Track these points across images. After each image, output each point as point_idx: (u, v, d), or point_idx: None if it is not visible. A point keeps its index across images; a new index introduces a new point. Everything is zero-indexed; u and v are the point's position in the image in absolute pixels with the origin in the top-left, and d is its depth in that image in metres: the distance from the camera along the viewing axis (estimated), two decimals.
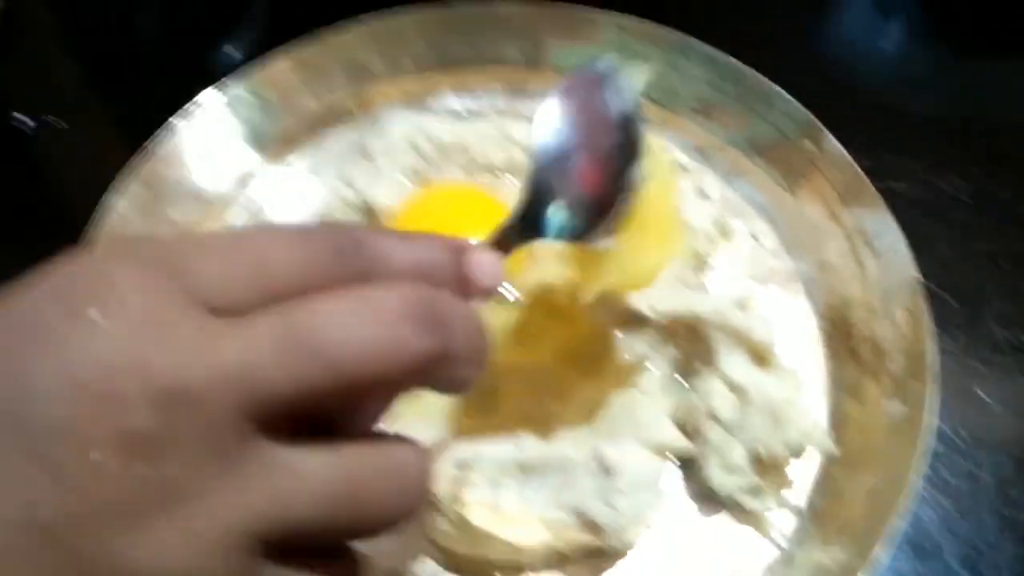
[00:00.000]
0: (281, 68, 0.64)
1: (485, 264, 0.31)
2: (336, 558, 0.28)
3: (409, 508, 0.28)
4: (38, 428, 0.22)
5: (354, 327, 0.25)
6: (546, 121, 0.40)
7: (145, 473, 0.23)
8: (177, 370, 0.23)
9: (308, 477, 0.25)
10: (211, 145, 0.61)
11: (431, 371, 0.27)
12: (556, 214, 0.38)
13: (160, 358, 0.23)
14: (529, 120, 0.63)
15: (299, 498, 0.25)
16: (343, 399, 0.25)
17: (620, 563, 0.49)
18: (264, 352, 0.24)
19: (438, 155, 0.58)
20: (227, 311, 0.25)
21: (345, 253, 0.27)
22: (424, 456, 0.29)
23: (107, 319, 0.23)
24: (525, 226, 0.38)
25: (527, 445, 0.48)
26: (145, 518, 0.23)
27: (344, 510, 0.26)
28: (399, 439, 0.29)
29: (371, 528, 0.27)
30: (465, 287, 0.30)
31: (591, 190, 0.39)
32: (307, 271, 0.26)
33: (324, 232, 0.27)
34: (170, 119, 0.61)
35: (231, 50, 0.74)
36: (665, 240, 0.44)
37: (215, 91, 0.62)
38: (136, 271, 0.24)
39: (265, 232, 0.28)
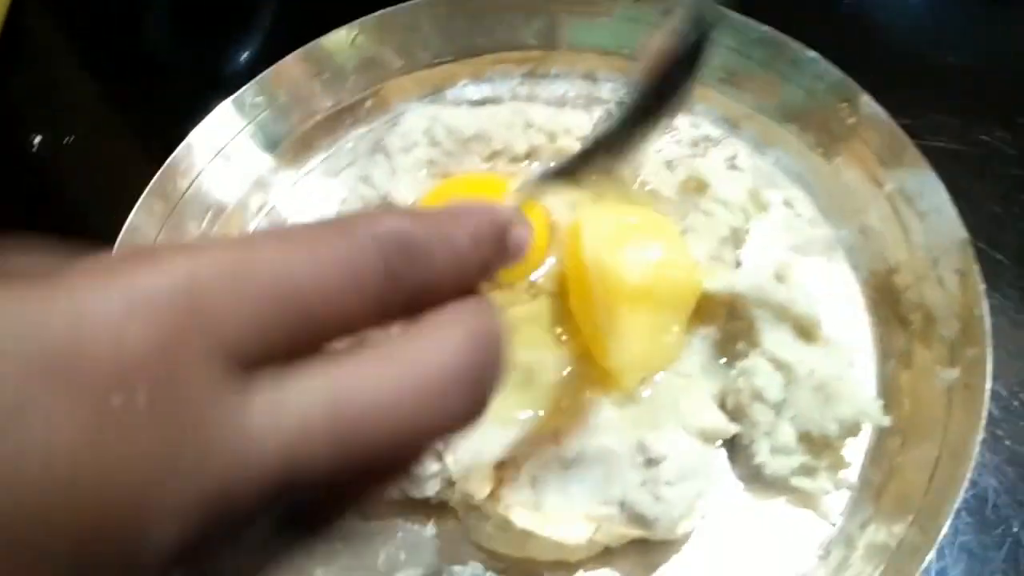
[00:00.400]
0: (293, 70, 0.63)
1: (522, 238, 0.28)
2: None
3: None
4: None
5: (403, 405, 0.22)
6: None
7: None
8: (207, 469, 0.20)
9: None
10: (228, 154, 0.60)
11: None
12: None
13: (185, 458, 0.19)
14: (548, 104, 0.62)
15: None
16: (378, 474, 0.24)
17: (672, 555, 0.48)
18: (306, 442, 0.21)
19: (457, 146, 0.57)
20: (258, 360, 0.21)
21: (397, 279, 0.23)
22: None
23: (120, 410, 0.19)
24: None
25: (567, 438, 0.46)
26: None
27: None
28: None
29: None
30: (504, 260, 0.27)
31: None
32: (352, 312, 0.22)
33: (371, 248, 0.23)
34: (186, 132, 0.59)
35: (242, 55, 0.73)
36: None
37: (229, 100, 0.61)
38: (156, 334, 0.20)
39: (295, 249, 0.22)
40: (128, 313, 0.19)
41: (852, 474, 0.49)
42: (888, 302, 0.54)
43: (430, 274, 0.24)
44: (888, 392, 0.51)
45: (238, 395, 0.20)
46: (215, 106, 0.60)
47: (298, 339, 0.22)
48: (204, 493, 0.20)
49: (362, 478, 0.23)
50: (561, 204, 0.54)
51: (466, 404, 0.23)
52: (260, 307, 0.21)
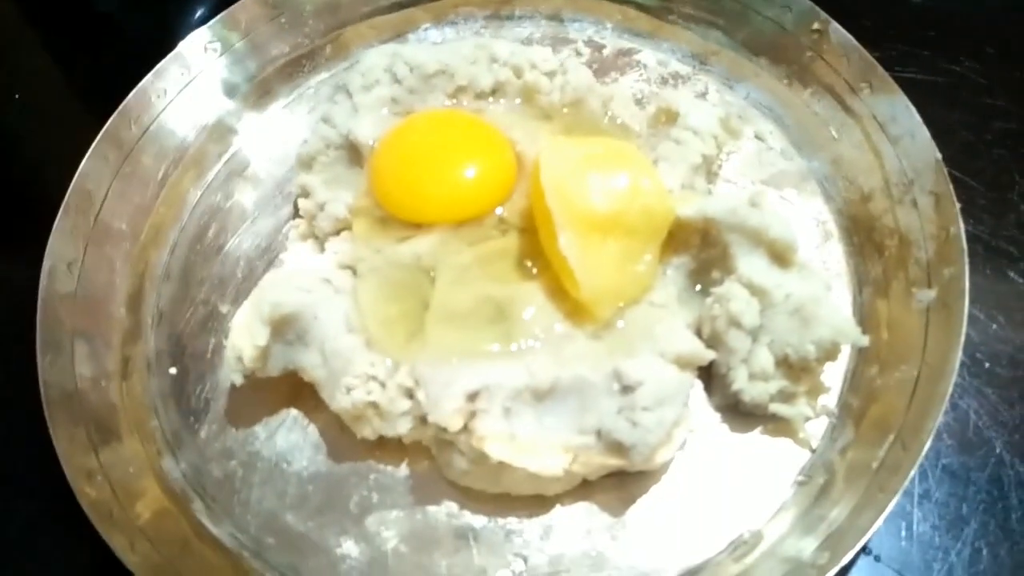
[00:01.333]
0: (250, 12, 0.61)
1: None
2: None
3: None
4: None
5: None
6: None
7: None
8: None
9: None
10: (185, 100, 0.59)
11: None
12: None
13: None
14: (514, 41, 0.61)
15: None
16: None
17: (651, 486, 0.47)
18: None
19: (420, 83, 0.55)
20: None
21: None
22: None
23: None
24: None
25: (540, 369, 0.45)
26: None
27: None
28: None
29: None
30: None
31: None
32: None
33: None
34: (143, 77, 0.57)
35: (195, 13, 0.71)
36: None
37: (183, 43, 0.59)
38: None
39: None
40: None
41: (831, 400, 0.48)
42: (863, 230, 0.53)
43: None
44: (865, 319, 0.50)
45: None
46: (174, 52, 0.59)
47: None
48: None
49: None
50: (527, 137, 0.52)
51: None
52: None
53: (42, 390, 0.47)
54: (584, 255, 0.46)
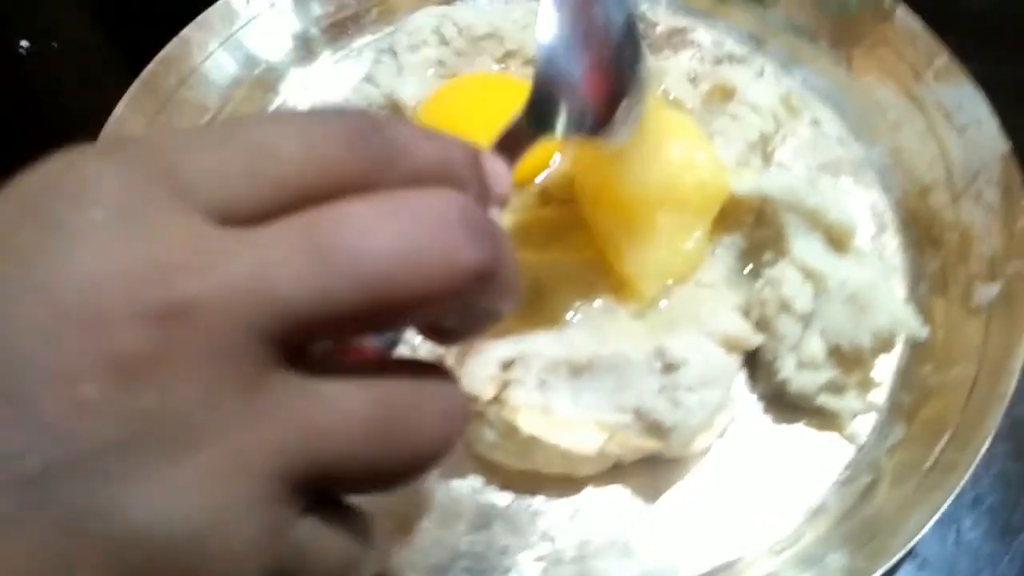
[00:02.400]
0: None
1: (500, 171, 0.27)
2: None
3: (451, 440, 0.23)
4: (16, 367, 0.17)
5: (394, 234, 0.20)
6: (550, 18, 0.37)
7: (144, 406, 0.18)
8: (174, 279, 0.18)
9: (343, 407, 0.21)
10: (225, 53, 0.57)
11: (476, 293, 0.22)
12: (565, 109, 0.36)
13: (150, 268, 0.18)
14: None
15: (335, 431, 0.20)
16: (373, 324, 0.21)
17: (685, 474, 0.45)
18: (283, 263, 0.19)
19: (468, 46, 0.53)
20: (233, 218, 0.20)
21: (364, 139, 0.22)
22: (461, 387, 0.25)
23: (86, 227, 0.19)
24: (534, 123, 0.35)
25: (579, 343, 0.43)
26: (147, 462, 0.18)
27: (385, 444, 0.21)
28: (433, 368, 0.24)
29: (411, 466, 0.23)
30: (485, 193, 0.26)
31: (598, 85, 0.38)
32: (321, 162, 0.21)
33: (336, 117, 0.22)
34: (181, 30, 0.56)
35: None
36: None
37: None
38: (118, 169, 0.20)
39: (268, 119, 0.24)
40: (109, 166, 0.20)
41: (881, 396, 0.46)
42: (921, 224, 0.51)
43: (399, 151, 0.23)
44: (921, 314, 0.48)
45: (214, 228, 0.20)
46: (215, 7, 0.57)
47: (279, 199, 0.20)
48: (157, 292, 0.19)
49: (374, 315, 0.20)
50: None
51: (472, 251, 0.21)
52: (235, 164, 0.20)
53: None
54: (630, 229, 0.45)
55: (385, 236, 0.20)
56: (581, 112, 0.37)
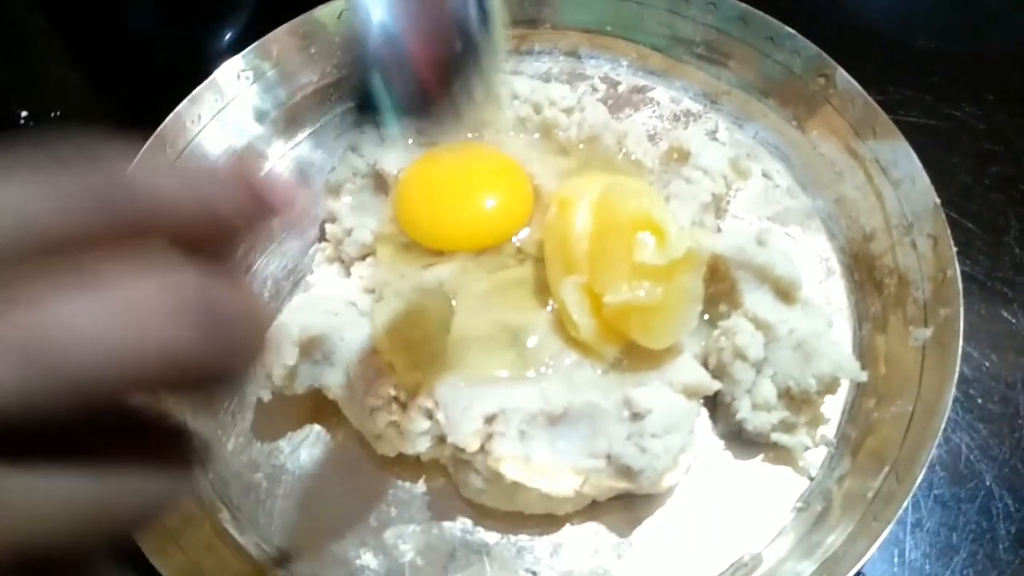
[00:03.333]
0: (280, 46, 0.63)
1: (279, 186, 0.26)
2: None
3: (160, 510, 0.23)
4: None
5: (101, 328, 0.20)
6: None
7: None
8: None
9: (42, 507, 0.20)
10: (217, 125, 0.61)
11: (200, 376, 0.22)
12: (388, 90, 0.35)
13: None
14: (532, 77, 0.64)
15: (35, 528, 0.20)
16: (92, 412, 0.20)
17: (656, 509, 0.49)
18: None
19: None
20: None
21: (107, 200, 0.21)
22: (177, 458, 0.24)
23: None
24: (361, 109, 0.35)
25: (553, 395, 0.47)
26: None
27: (85, 533, 0.21)
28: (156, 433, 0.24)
29: (112, 538, 0.22)
30: (258, 211, 0.26)
31: (426, 62, 0.35)
32: (64, 221, 0.21)
33: (80, 175, 0.22)
34: (172, 110, 0.60)
35: (226, 36, 0.73)
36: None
37: (218, 71, 0.61)
38: None
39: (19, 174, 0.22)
40: None
41: (830, 431, 0.50)
42: (863, 268, 0.55)
43: (147, 203, 0.22)
44: (864, 354, 0.52)
45: None
46: (200, 84, 0.61)
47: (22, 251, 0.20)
48: None
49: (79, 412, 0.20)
50: (545, 171, 0.55)
51: (189, 337, 0.21)
52: None
53: None
54: (583, 301, 0.49)
55: (92, 333, 0.20)
56: (410, 93, 0.35)
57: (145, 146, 0.57)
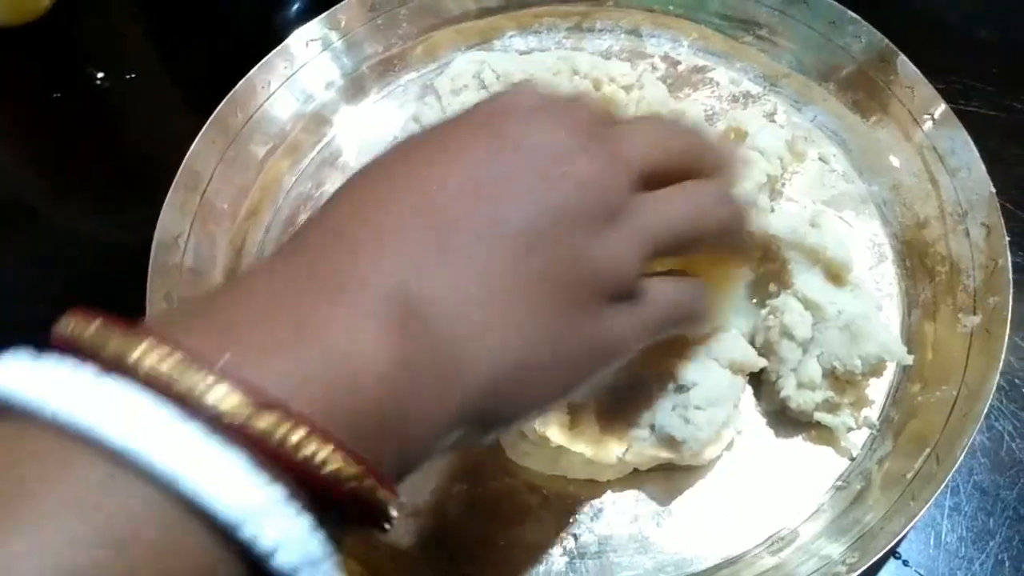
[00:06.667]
0: (348, 16, 0.65)
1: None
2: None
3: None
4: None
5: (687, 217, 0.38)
6: None
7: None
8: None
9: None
10: (286, 91, 0.63)
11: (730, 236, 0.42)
12: None
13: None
14: (592, 54, 0.65)
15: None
16: None
17: (697, 481, 0.50)
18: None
19: (504, 89, 0.59)
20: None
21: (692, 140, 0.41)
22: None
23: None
24: None
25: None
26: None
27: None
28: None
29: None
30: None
31: None
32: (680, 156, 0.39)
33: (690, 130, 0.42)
34: (242, 75, 0.62)
35: (295, 5, 0.75)
36: None
37: (288, 40, 0.63)
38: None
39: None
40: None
41: (873, 413, 0.51)
42: (916, 255, 0.56)
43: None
44: (912, 340, 0.53)
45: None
46: (269, 52, 0.63)
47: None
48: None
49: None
50: None
51: (724, 213, 0.40)
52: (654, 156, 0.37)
53: None
54: None
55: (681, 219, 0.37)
56: None
57: (217, 110, 0.60)
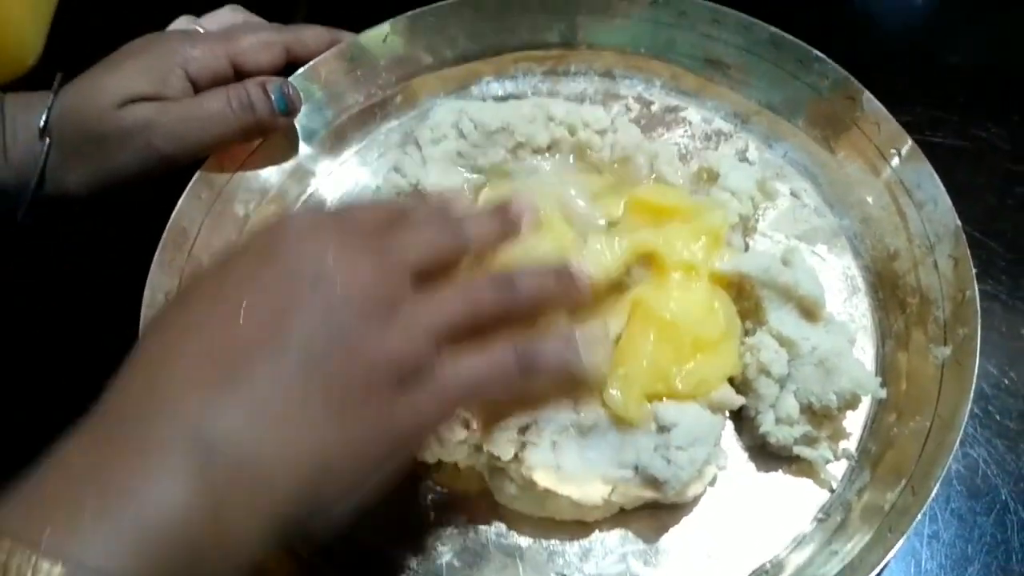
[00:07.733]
0: (328, 69, 0.66)
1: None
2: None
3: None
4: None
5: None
6: None
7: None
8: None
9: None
10: (269, 145, 0.64)
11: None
12: None
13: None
14: (567, 99, 0.66)
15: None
16: None
17: (682, 517, 0.52)
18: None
19: (483, 139, 0.60)
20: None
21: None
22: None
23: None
24: None
25: (584, 407, 0.50)
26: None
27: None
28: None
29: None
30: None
31: None
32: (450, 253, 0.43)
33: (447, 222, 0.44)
34: None
35: None
36: None
37: None
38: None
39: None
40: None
41: (851, 445, 0.53)
42: (888, 287, 0.57)
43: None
44: (886, 370, 0.55)
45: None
46: None
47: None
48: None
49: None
50: (579, 191, 0.57)
51: (498, 296, 0.42)
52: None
53: None
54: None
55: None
56: None
57: (203, 165, 0.61)
